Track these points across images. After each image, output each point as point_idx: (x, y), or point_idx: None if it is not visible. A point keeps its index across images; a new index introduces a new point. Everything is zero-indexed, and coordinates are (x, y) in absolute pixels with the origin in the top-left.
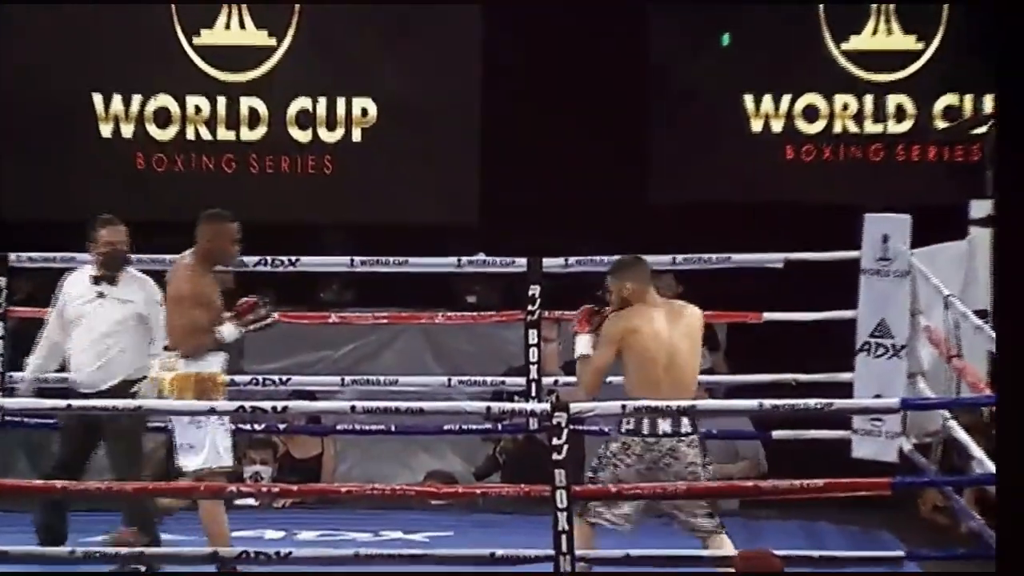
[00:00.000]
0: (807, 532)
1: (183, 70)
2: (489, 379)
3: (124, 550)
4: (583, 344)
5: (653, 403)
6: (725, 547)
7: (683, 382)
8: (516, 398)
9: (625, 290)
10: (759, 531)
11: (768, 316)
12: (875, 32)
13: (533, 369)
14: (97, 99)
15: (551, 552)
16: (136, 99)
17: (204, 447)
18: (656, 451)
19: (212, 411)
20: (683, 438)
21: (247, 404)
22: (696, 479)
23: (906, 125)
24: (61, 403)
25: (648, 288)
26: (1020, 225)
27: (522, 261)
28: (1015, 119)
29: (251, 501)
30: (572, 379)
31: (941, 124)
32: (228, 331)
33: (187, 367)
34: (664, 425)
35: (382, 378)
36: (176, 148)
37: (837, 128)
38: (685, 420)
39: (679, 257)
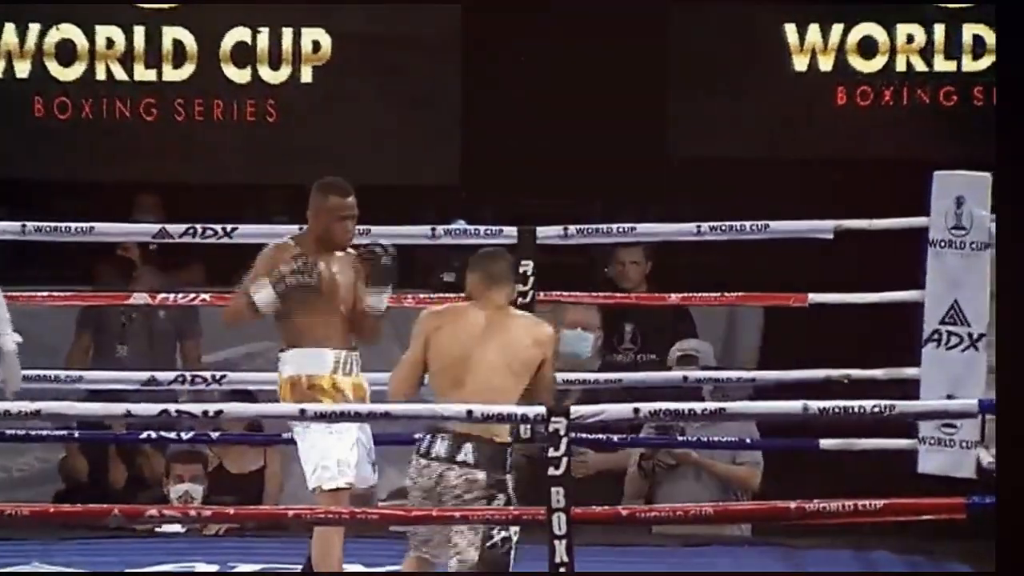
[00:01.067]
0: (863, 563)
1: None
2: None
3: None
4: None
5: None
6: None
7: (479, 401)
8: None
9: (470, 283)
10: (803, 561)
11: (814, 298)
12: None
13: None
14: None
15: None
16: (33, 30)
17: (309, 461)
18: (426, 476)
19: (128, 414)
20: (455, 466)
21: (172, 407)
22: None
23: (985, 62)
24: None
25: (491, 288)
26: (1021, 224)
27: (512, 230)
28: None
29: (177, 527)
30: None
31: None
32: (262, 296)
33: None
34: (440, 447)
35: None
36: (83, 90)
37: (900, 66)
38: (469, 446)
39: (704, 225)
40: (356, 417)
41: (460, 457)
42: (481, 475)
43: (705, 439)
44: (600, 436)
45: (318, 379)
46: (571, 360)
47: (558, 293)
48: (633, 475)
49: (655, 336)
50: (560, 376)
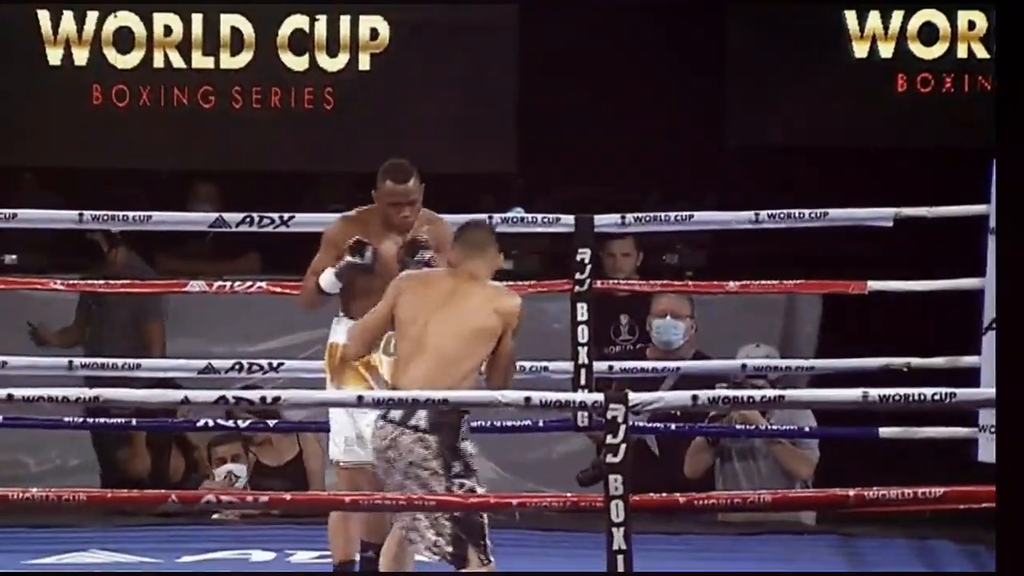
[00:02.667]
0: (921, 553)
1: None
2: (528, 364)
3: None
4: None
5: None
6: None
7: (432, 367)
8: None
9: (451, 252)
10: (858, 551)
11: (874, 286)
12: None
13: (582, 352)
14: (44, 17)
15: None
16: (92, 17)
17: (331, 435)
18: (380, 438)
19: (186, 400)
20: (408, 431)
21: (229, 394)
22: (423, 485)
23: None
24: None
25: (468, 257)
26: (1021, 222)
27: (569, 218)
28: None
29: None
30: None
31: None
32: (326, 280)
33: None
34: (396, 412)
35: None
36: (141, 78)
37: (961, 52)
38: (422, 413)
39: (763, 213)
40: (414, 404)
41: (413, 421)
42: (433, 439)
43: (765, 427)
44: (659, 424)
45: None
46: (663, 348)
47: (615, 281)
48: (698, 446)
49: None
50: (650, 365)
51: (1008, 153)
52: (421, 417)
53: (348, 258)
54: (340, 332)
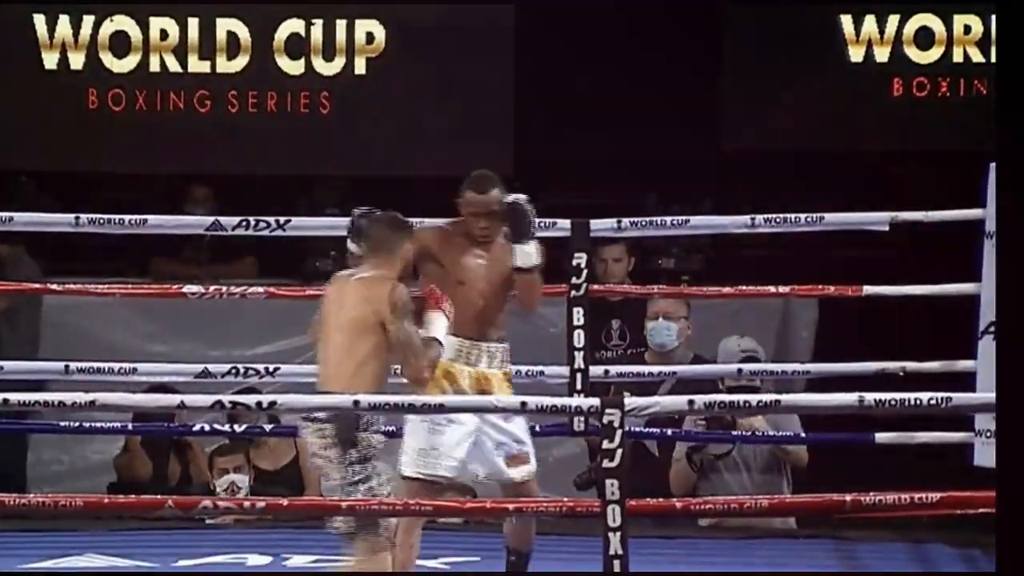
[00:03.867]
0: (917, 557)
1: None
2: (524, 368)
3: None
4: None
5: None
6: (358, 554)
7: (327, 364)
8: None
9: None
10: (855, 555)
11: (869, 290)
12: None
13: (578, 356)
14: (40, 21)
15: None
16: (88, 21)
17: (406, 446)
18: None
19: (182, 405)
20: (310, 424)
21: (225, 398)
22: (325, 474)
23: None
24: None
25: (370, 255)
26: (1021, 221)
27: (565, 223)
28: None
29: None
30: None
31: None
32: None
33: None
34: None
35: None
36: (137, 82)
37: (957, 56)
38: (335, 433)
39: (759, 217)
40: (409, 409)
41: (315, 414)
42: (329, 430)
43: (760, 432)
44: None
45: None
46: (658, 350)
47: (610, 285)
48: (679, 472)
49: (642, 331)
50: (645, 369)
51: (1008, 157)
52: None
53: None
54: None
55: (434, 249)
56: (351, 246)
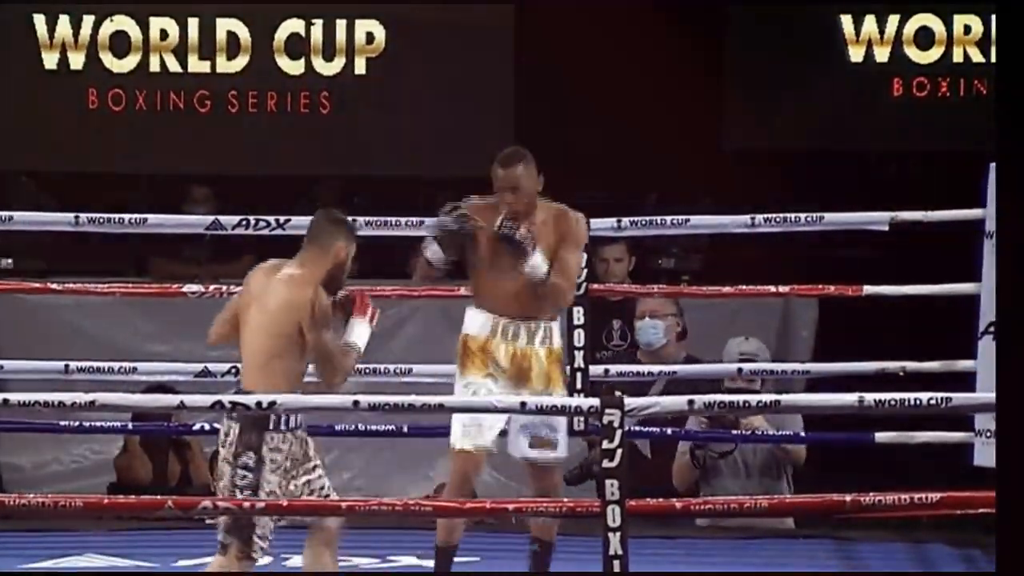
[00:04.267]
0: (917, 557)
1: None
2: None
3: None
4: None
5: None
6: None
7: (245, 359)
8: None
9: None
10: (855, 555)
11: (869, 290)
12: None
13: (578, 356)
14: (40, 21)
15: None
16: (88, 21)
17: (454, 420)
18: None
19: (181, 405)
20: (226, 420)
21: (224, 398)
22: (221, 475)
23: None
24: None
25: (305, 245)
26: (1021, 221)
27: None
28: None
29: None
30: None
31: None
32: (429, 248)
33: None
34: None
35: (391, 367)
36: (137, 82)
37: (957, 56)
38: (239, 432)
39: (759, 217)
40: (409, 409)
41: (232, 412)
42: (233, 427)
43: (760, 432)
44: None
45: (471, 340)
46: (646, 349)
47: (610, 285)
48: (683, 466)
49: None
50: (644, 369)
51: (1008, 157)
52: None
53: (446, 223)
54: (470, 321)
55: (481, 222)
56: (428, 253)
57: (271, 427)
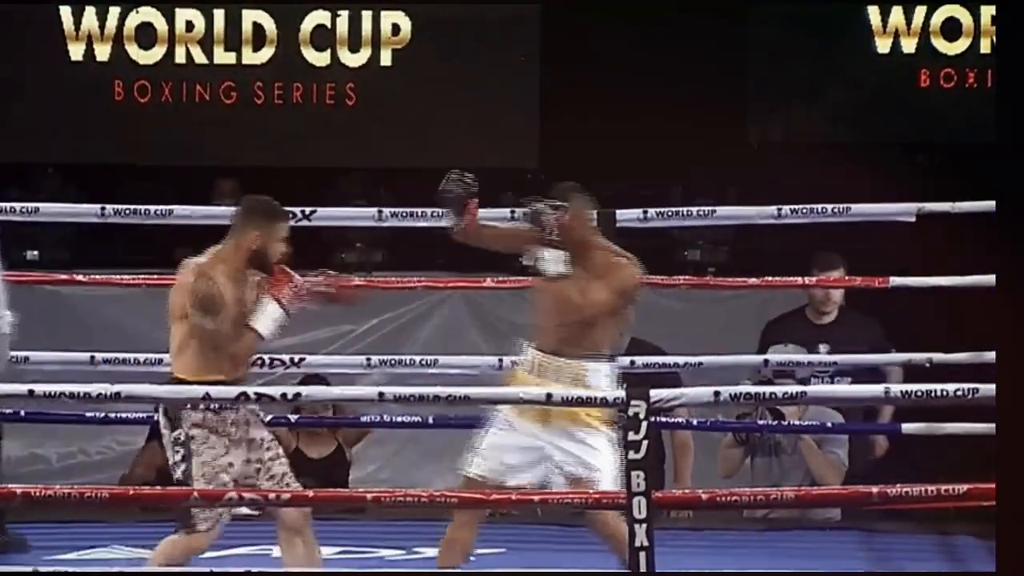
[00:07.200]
0: (944, 549)
1: None
2: None
3: None
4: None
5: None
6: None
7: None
8: None
9: None
10: (882, 547)
11: (896, 281)
12: None
13: None
14: (65, 12)
15: (626, 572)
16: (113, 13)
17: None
18: None
19: (207, 396)
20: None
21: (250, 390)
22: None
23: None
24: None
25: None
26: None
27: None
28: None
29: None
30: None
31: None
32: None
33: None
34: None
35: (417, 358)
36: (163, 74)
37: (984, 47)
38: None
39: (785, 208)
40: (434, 400)
41: (161, 420)
42: (161, 410)
43: (793, 423)
44: (680, 419)
45: (514, 371)
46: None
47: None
48: (728, 454)
49: None
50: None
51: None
52: (164, 416)
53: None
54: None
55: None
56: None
57: (188, 406)
